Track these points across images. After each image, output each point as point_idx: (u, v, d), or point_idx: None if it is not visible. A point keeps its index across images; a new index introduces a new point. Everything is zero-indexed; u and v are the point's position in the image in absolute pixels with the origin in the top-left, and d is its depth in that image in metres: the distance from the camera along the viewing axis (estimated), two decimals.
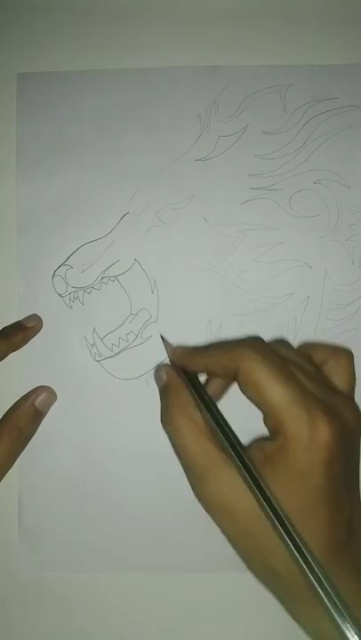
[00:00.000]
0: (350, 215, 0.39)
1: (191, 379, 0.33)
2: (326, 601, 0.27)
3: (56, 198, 0.39)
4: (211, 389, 0.35)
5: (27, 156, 0.40)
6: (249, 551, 0.30)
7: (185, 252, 0.39)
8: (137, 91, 0.40)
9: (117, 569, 0.38)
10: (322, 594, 0.27)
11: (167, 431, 0.32)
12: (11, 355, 0.38)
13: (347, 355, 0.34)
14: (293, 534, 0.28)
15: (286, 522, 0.28)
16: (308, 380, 0.31)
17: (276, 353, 0.32)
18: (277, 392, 0.29)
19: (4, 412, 0.37)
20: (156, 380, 0.36)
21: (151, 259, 0.39)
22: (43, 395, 0.38)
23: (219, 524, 0.31)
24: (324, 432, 0.28)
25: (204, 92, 0.40)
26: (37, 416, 0.37)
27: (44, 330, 0.39)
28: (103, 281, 0.39)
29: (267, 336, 0.38)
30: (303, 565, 0.27)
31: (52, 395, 0.38)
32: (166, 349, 0.37)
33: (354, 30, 0.40)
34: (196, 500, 0.38)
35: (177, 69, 0.40)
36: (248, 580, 0.38)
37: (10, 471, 0.36)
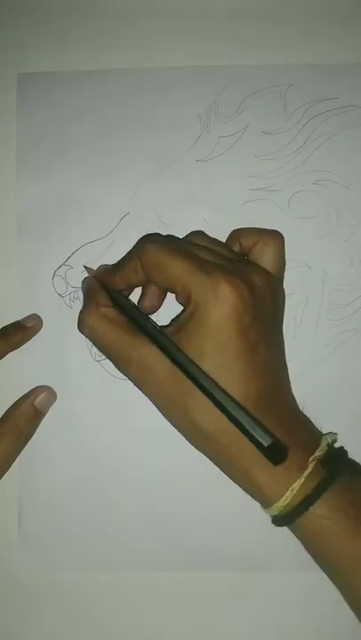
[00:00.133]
0: (350, 216, 0.39)
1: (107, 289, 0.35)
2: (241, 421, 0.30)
3: (56, 198, 0.39)
4: (145, 303, 0.36)
5: (27, 156, 0.39)
6: (177, 415, 0.32)
7: None
8: (137, 91, 0.40)
9: (117, 569, 0.38)
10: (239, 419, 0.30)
11: (84, 334, 0.34)
12: (11, 354, 0.38)
13: (275, 235, 0.35)
14: (206, 379, 0.30)
15: (198, 370, 0.30)
16: (211, 256, 0.33)
17: (172, 239, 0.35)
18: (178, 265, 0.31)
19: (4, 412, 0.37)
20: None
21: None
22: (42, 395, 0.38)
23: (149, 395, 0.33)
24: (226, 288, 0.30)
25: (204, 92, 0.40)
26: (37, 416, 0.37)
27: (44, 330, 0.39)
28: None
29: None
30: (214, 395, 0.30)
31: (51, 395, 0.38)
32: (88, 274, 0.38)
33: (354, 30, 0.40)
34: (195, 501, 0.38)
35: (177, 69, 0.40)
36: (248, 579, 0.38)
37: (10, 471, 0.36)
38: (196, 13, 0.40)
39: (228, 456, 0.31)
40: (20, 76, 0.40)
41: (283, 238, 0.35)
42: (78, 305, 0.39)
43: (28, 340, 0.38)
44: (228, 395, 0.30)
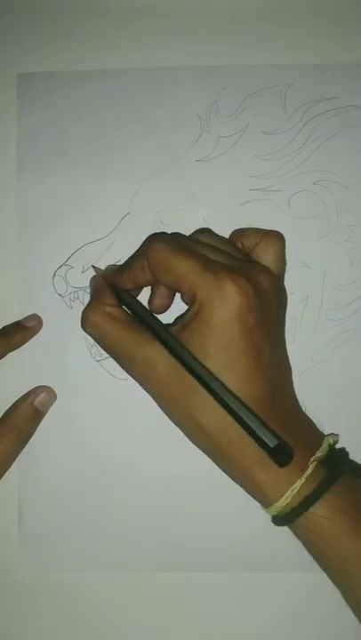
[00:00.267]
0: (349, 216, 0.39)
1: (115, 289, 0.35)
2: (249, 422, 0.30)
3: (57, 198, 0.39)
4: (155, 303, 0.36)
5: (27, 156, 0.39)
6: (180, 414, 0.32)
7: None
8: (137, 91, 0.40)
9: (117, 569, 0.38)
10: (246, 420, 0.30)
11: (87, 331, 0.34)
12: (10, 354, 0.38)
13: (276, 235, 0.35)
14: (212, 379, 0.30)
15: (204, 370, 0.30)
16: (218, 255, 0.32)
17: (179, 238, 0.34)
18: (184, 264, 0.31)
19: (4, 412, 0.37)
20: None
21: None
22: (42, 394, 0.38)
23: (152, 394, 0.33)
24: (231, 288, 0.30)
25: (204, 92, 0.40)
26: (37, 416, 0.37)
27: (44, 330, 0.39)
28: None
29: None
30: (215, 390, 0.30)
31: (51, 394, 0.38)
32: (96, 273, 0.38)
33: (354, 30, 0.40)
34: (195, 501, 0.38)
35: (177, 69, 0.40)
36: (248, 579, 0.38)
37: (9, 471, 0.36)
38: (196, 13, 0.40)
39: (230, 455, 0.31)
40: (20, 76, 0.40)
41: (284, 239, 0.35)
42: (78, 305, 0.39)
43: (28, 340, 0.38)
44: (234, 395, 0.30)
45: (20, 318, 0.39)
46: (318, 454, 0.31)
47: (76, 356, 0.39)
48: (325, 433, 0.34)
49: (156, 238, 0.34)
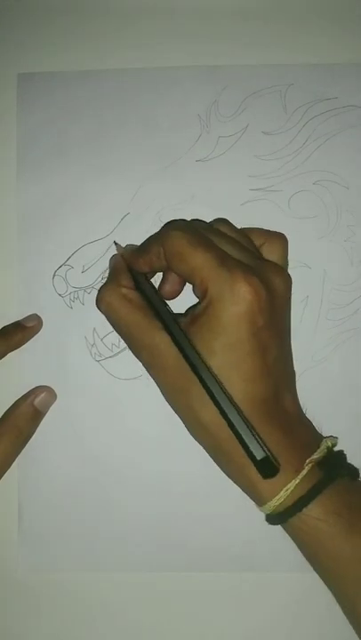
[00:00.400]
0: (349, 216, 0.39)
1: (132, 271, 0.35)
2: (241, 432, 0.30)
3: (57, 198, 0.39)
4: (165, 288, 0.36)
5: (27, 156, 0.39)
6: (180, 404, 0.32)
7: None
8: (137, 91, 0.40)
9: (117, 569, 0.38)
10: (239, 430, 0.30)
11: (101, 310, 0.34)
12: (10, 355, 0.38)
13: (280, 237, 0.35)
14: (211, 379, 0.30)
15: (205, 369, 0.30)
16: (234, 249, 0.32)
17: (197, 227, 0.34)
18: (199, 257, 0.31)
19: (4, 412, 0.37)
20: None
21: None
22: (42, 394, 0.38)
23: (156, 381, 0.33)
24: (243, 288, 0.30)
25: (204, 92, 0.40)
26: (37, 416, 0.37)
27: (44, 330, 0.39)
28: (104, 281, 0.38)
29: None
30: (219, 402, 0.30)
31: (51, 394, 0.38)
32: (117, 251, 0.38)
33: (354, 30, 0.40)
34: (195, 501, 0.38)
35: (177, 69, 0.40)
36: (248, 579, 0.38)
37: (9, 471, 0.37)
38: (196, 13, 0.40)
39: (226, 451, 0.31)
40: (20, 76, 0.40)
41: (287, 241, 0.35)
42: (78, 305, 0.39)
43: (28, 340, 0.38)
44: (229, 399, 0.30)
45: (20, 318, 0.39)
46: (315, 456, 0.31)
47: (76, 355, 0.39)
48: (325, 433, 0.34)
49: (174, 226, 0.34)
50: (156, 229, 0.38)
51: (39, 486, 0.38)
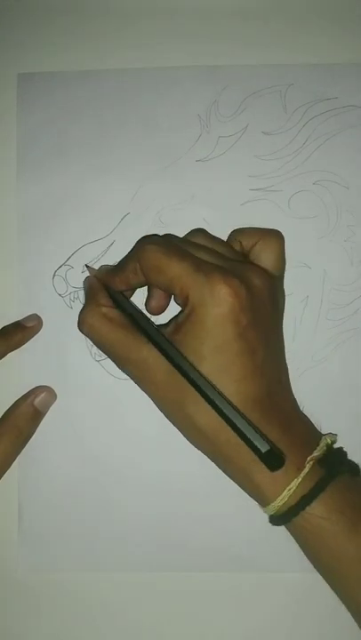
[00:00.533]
0: (349, 216, 0.39)
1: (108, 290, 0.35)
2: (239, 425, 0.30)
3: (57, 198, 0.39)
4: (152, 304, 0.36)
5: (27, 156, 0.39)
6: (176, 414, 0.32)
7: None
8: (137, 91, 0.40)
9: (117, 569, 0.38)
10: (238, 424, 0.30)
11: (84, 333, 0.34)
12: (10, 355, 0.38)
13: (275, 235, 0.35)
14: (205, 383, 0.30)
15: (197, 374, 0.30)
16: (210, 256, 0.33)
17: (170, 240, 0.34)
18: (175, 266, 0.31)
19: (4, 412, 0.37)
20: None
21: None
22: (42, 394, 0.38)
23: (148, 394, 0.34)
24: (223, 289, 0.30)
25: (204, 92, 0.40)
26: (37, 416, 0.37)
27: (44, 330, 0.39)
28: None
29: None
30: (212, 399, 0.30)
31: (51, 394, 0.38)
32: (90, 273, 0.38)
33: (354, 30, 0.40)
34: (195, 501, 0.38)
35: (177, 69, 0.40)
36: (248, 579, 0.38)
37: (9, 471, 0.37)
38: (196, 13, 0.40)
39: (226, 455, 0.31)
40: (20, 76, 0.40)
41: (283, 238, 0.35)
42: (78, 305, 0.39)
43: (28, 340, 0.38)
44: (227, 400, 0.30)
45: (20, 318, 0.39)
46: (315, 453, 0.31)
47: (76, 355, 0.39)
48: (325, 433, 0.34)
49: (147, 240, 0.35)
50: (156, 229, 0.39)
51: (39, 486, 0.38)
